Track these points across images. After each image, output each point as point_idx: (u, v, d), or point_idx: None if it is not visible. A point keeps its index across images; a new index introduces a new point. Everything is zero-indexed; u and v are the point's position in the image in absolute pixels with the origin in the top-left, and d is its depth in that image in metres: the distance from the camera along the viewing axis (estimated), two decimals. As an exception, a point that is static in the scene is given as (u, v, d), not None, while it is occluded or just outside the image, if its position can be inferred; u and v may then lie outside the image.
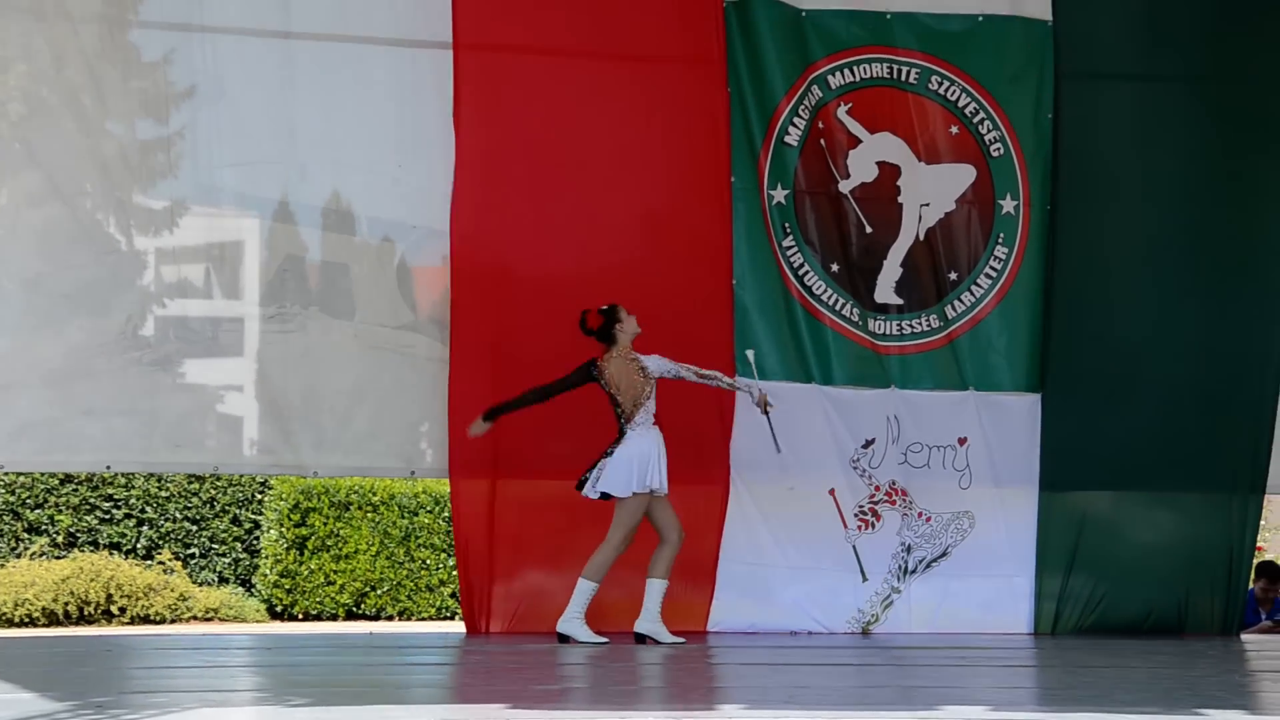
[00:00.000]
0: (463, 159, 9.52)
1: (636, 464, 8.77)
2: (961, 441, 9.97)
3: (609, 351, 8.94)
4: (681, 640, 8.81)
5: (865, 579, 9.87)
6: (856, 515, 9.89)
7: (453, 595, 16.24)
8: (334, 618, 16.37)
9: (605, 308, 8.95)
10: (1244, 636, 10.26)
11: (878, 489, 9.90)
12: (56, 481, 16.72)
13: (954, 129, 10.06)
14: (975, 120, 10.06)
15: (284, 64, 9.48)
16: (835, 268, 9.97)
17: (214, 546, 17.06)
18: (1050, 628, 9.98)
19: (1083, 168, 10.07)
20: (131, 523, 16.84)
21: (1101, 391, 10.03)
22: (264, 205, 9.61)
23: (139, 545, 16.78)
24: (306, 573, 16.40)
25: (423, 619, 16.46)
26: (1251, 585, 10.77)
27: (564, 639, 8.77)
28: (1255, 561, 11.01)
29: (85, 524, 16.76)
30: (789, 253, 9.91)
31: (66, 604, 15.28)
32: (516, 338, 9.54)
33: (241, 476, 16.79)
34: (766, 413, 9.15)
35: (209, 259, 9.57)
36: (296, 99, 9.51)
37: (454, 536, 9.77)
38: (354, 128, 9.58)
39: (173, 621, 15.46)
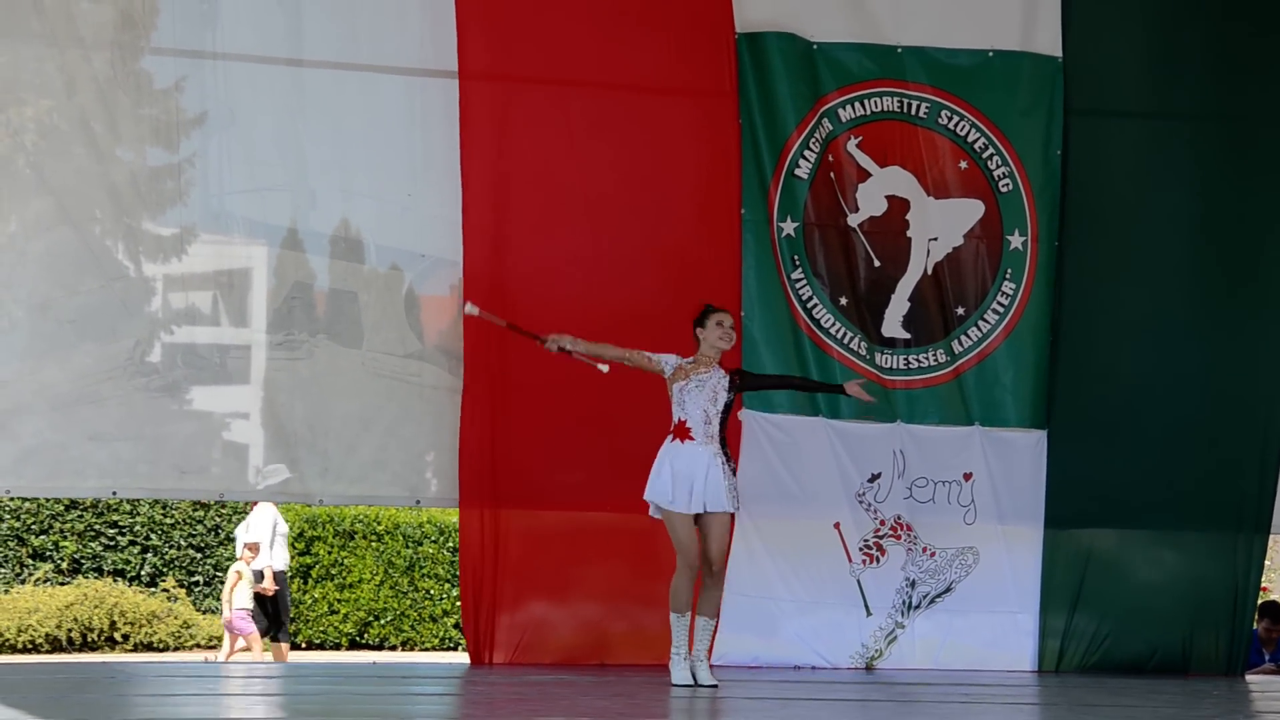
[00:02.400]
0: (471, 189, 9.50)
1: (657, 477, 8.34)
2: (967, 477, 9.93)
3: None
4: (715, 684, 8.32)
5: (869, 614, 9.82)
6: (861, 549, 9.84)
7: (456, 626, 16.20)
8: (337, 647, 16.34)
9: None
10: (1248, 677, 10.21)
11: (883, 523, 9.85)
12: (61, 507, 16.71)
13: (963, 164, 10.04)
14: (984, 155, 10.05)
15: (295, 92, 9.48)
16: (843, 301, 9.94)
17: (218, 574, 17.02)
18: (1054, 665, 9.92)
19: (1091, 204, 10.06)
20: (136, 549, 16.82)
21: (1107, 429, 10.00)
22: (273, 233, 9.59)
23: (143, 572, 16.75)
24: (310, 601, 16.36)
25: (426, 649, 16.43)
26: (1255, 625, 10.71)
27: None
28: (1260, 601, 10.95)
29: (90, 550, 16.73)
30: (798, 285, 9.88)
31: (70, 630, 15.26)
32: (526, 367, 9.49)
33: (246, 504, 16.77)
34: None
35: (217, 286, 9.55)
36: (307, 127, 9.50)
37: (459, 566, 9.71)
38: (364, 156, 9.57)
39: (175, 649, 15.42)
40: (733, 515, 8.44)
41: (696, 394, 8.30)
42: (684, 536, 8.24)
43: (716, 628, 8.50)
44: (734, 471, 8.40)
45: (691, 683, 8.17)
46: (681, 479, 8.23)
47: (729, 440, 9.05)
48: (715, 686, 8.19)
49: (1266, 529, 10.16)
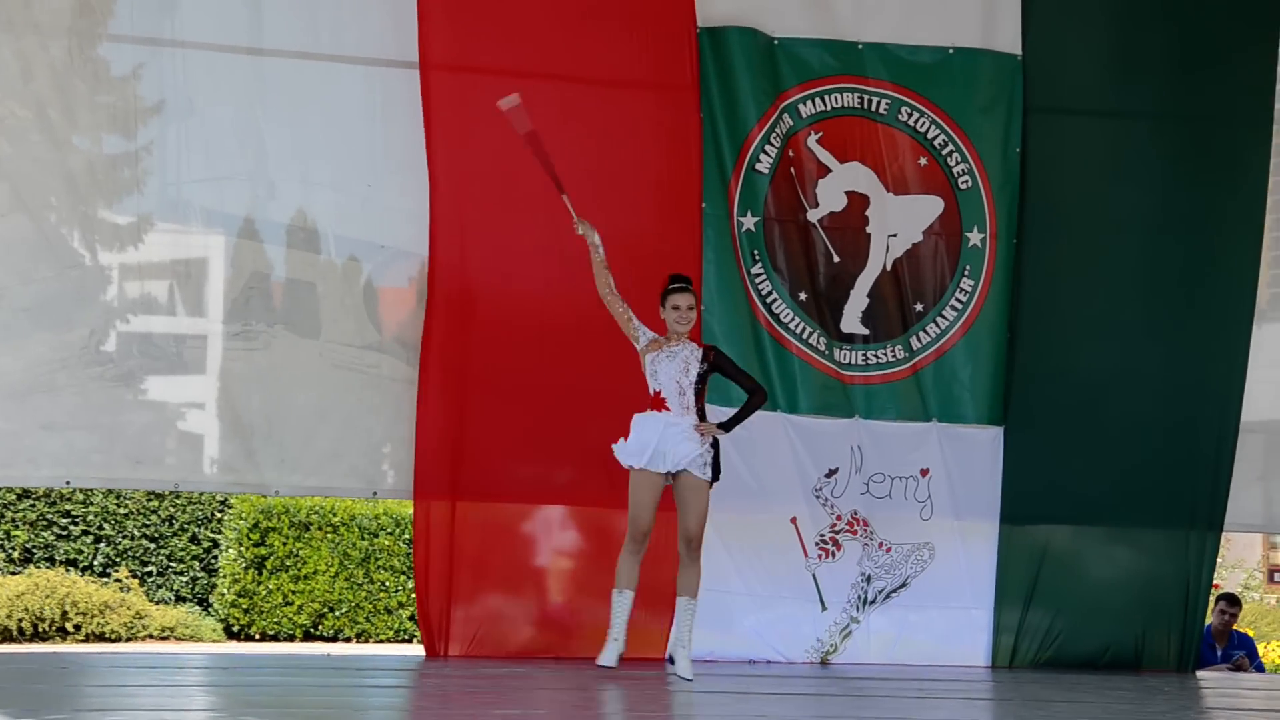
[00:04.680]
0: (435, 180, 9.49)
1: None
2: (924, 473, 9.97)
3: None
4: (689, 679, 8.25)
5: (825, 608, 9.85)
6: (817, 544, 9.87)
7: (411, 618, 16.17)
8: (291, 638, 16.29)
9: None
10: (1200, 674, 10.27)
11: (839, 518, 9.88)
12: (14, 496, 16.61)
13: (923, 160, 10.08)
14: (944, 152, 10.09)
15: (254, 81, 9.44)
16: (803, 296, 9.96)
17: (172, 565, 16.95)
18: (1008, 661, 9.97)
19: (1050, 202, 10.10)
20: (89, 539, 16.73)
21: (1063, 426, 10.05)
22: (230, 222, 9.55)
23: (96, 562, 16.67)
24: (265, 593, 16.31)
25: (381, 641, 16.39)
26: (1208, 620, 10.78)
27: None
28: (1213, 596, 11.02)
29: (42, 540, 16.64)
30: (757, 280, 9.90)
31: (21, 620, 15.16)
32: (485, 360, 9.50)
33: (201, 495, 16.71)
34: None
35: (174, 275, 9.50)
36: (266, 116, 9.46)
37: (414, 558, 9.69)
38: (323, 146, 9.53)
39: (128, 640, 15.35)
40: (709, 486, 8.29)
41: (668, 364, 8.26)
42: (640, 506, 8.14)
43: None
44: (713, 444, 8.31)
45: (612, 664, 8.14)
46: (652, 438, 8.14)
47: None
48: (691, 680, 8.15)
49: (1220, 526, 10.22)
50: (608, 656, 8.17)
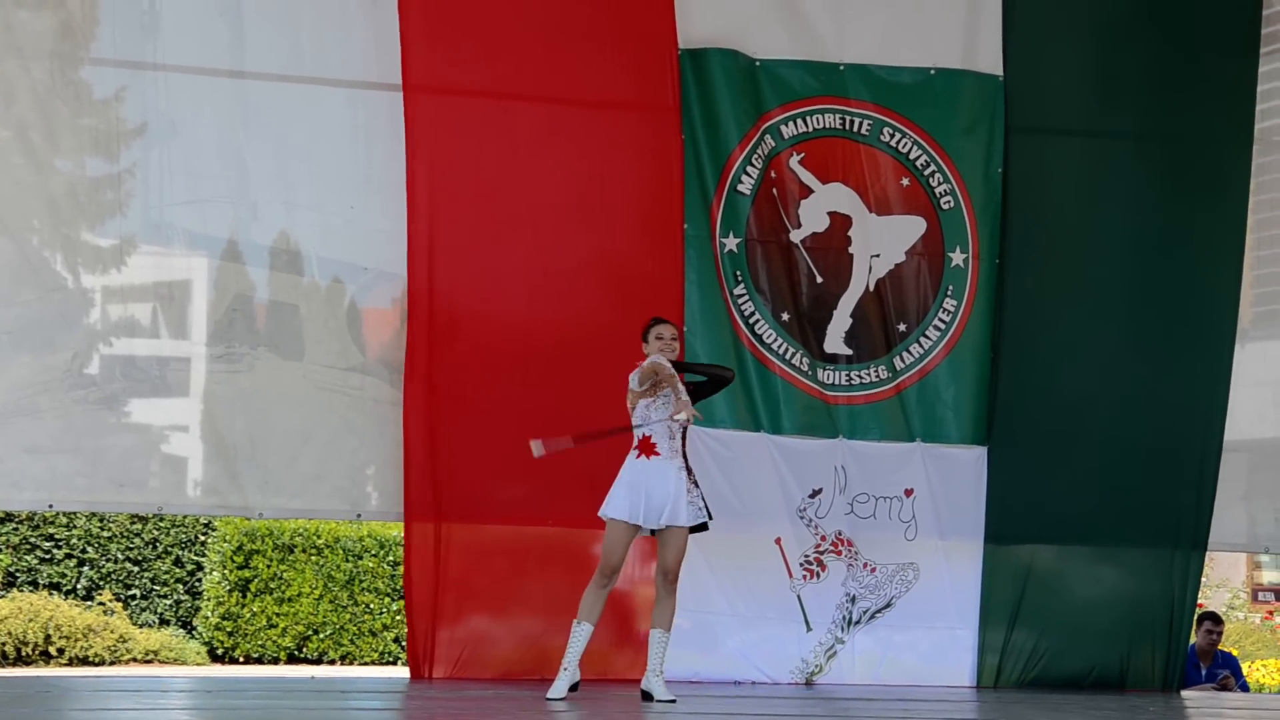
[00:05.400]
0: (416, 202, 9.51)
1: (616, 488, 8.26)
2: (908, 493, 9.98)
3: None
4: (672, 699, 8.25)
5: (809, 629, 9.85)
6: (802, 565, 9.88)
7: (396, 640, 16.15)
8: (276, 661, 16.24)
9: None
10: (1184, 694, 10.29)
11: (824, 539, 9.89)
12: (-3, 520, 16.56)
13: (905, 181, 10.11)
14: (926, 172, 10.12)
15: (237, 103, 9.45)
16: (785, 317, 9.98)
17: (155, 588, 16.91)
18: (993, 681, 9.98)
19: (1032, 222, 10.13)
20: (72, 563, 16.69)
21: (1047, 445, 10.07)
22: (213, 244, 9.56)
23: (79, 586, 16.62)
24: (249, 615, 16.27)
25: (365, 664, 16.35)
26: (1192, 640, 10.80)
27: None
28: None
29: (25, 563, 16.59)
30: (740, 301, 9.92)
31: (4, 644, 15.12)
32: (466, 379, 9.51)
33: (185, 517, 16.68)
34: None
35: (157, 298, 9.51)
36: (248, 139, 9.48)
37: (404, 580, 9.69)
38: (306, 168, 9.55)
39: (112, 663, 15.31)
40: (695, 528, 8.33)
41: (662, 410, 8.23)
42: (612, 548, 8.17)
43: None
44: (696, 484, 8.36)
45: (560, 698, 8.12)
46: (644, 495, 8.15)
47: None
48: (673, 701, 8.15)
49: (1203, 546, 10.25)
50: (558, 689, 8.18)
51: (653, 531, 8.26)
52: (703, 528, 8.33)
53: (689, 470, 8.31)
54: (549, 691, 8.20)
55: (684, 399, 8.17)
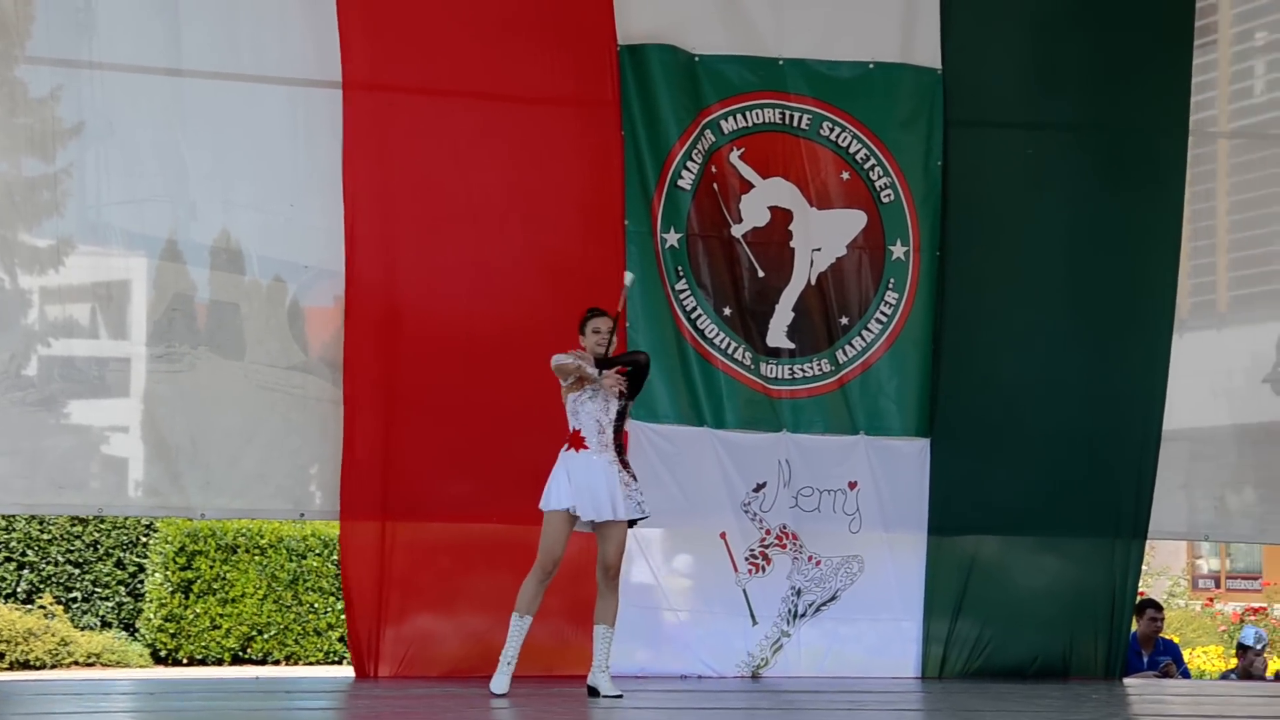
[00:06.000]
0: (353, 199, 9.48)
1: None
2: (852, 485, 10.02)
3: None
4: (619, 694, 8.31)
5: (755, 622, 9.88)
6: (747, 559, 9.90)
7: (341, 639, 16.10)
8: (220, 662, 16.18)
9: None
10: (1127, 681, 10.37)
11: (768, 532, 9.92)
12: (-65, 523, 16.43)
13: (845, 175, 10.14)
14: (866, 166, 10.16)
15: (174, 102, 9.40)
16: (728, 311, 10.00)
17: (97, 590, 16.81)
18: (937, 671, 10.03)
19: (972, 214, 10.18)
20: (12, 566, 16.57)
21: (989, 437, 10.12)
22: (152, 244, 9.51)
23: (19, 589, 16.50)
24: (192, 616, 16.20)
25: (310, 663, 16.30)
26: (1134, 628, 10.89)
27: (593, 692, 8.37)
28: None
29: (-36, 567, 16.47)
30: (682, 296, 9.93)
31: (-56, 649, 15.00)
32: (409, 378, 9.50)
33: (126, 519, 16.58)
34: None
35: (95, 298, 9.45)
36: (186, 137, 9.42)
37: (342, 579, 9.66)
38: (245, 166, 9.51)
39: (54, 667, 15.21)
40: (633, 522, 8.42)
41: (589, 404, 8.31)
42: (552, 541, 8.22)
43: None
44: (634, 477, 8.39)
45: (504, 691, 8.18)
46: (583, 489, 8.22)
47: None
48: (619, 696, 8.20)
49: (1144, 534, 10.32)
50: (500, 683, 8.21)
51: (593, 526, 8.29)
52: (636, 523, 8.37)
53: (624, 465, 8.34)
54: (492, 685, 8.21)
55: (605, 376, 8.20)
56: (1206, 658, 15.97)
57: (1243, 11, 10.86)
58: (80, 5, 9.31)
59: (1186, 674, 11.84)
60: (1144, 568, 11.24)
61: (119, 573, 16.91)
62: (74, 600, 16.65)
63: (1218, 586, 21.15)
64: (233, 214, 9.56)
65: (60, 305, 9.42)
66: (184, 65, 9.40)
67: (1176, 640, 12.83)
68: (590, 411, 8.31)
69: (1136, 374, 10.23)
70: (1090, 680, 10.03)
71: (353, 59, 9.46)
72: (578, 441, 8.31)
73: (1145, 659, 11.27)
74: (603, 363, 8.31)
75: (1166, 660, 11.29)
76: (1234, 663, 12.26)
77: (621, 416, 8.39)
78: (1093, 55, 10.27)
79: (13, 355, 9.32)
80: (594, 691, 8.28)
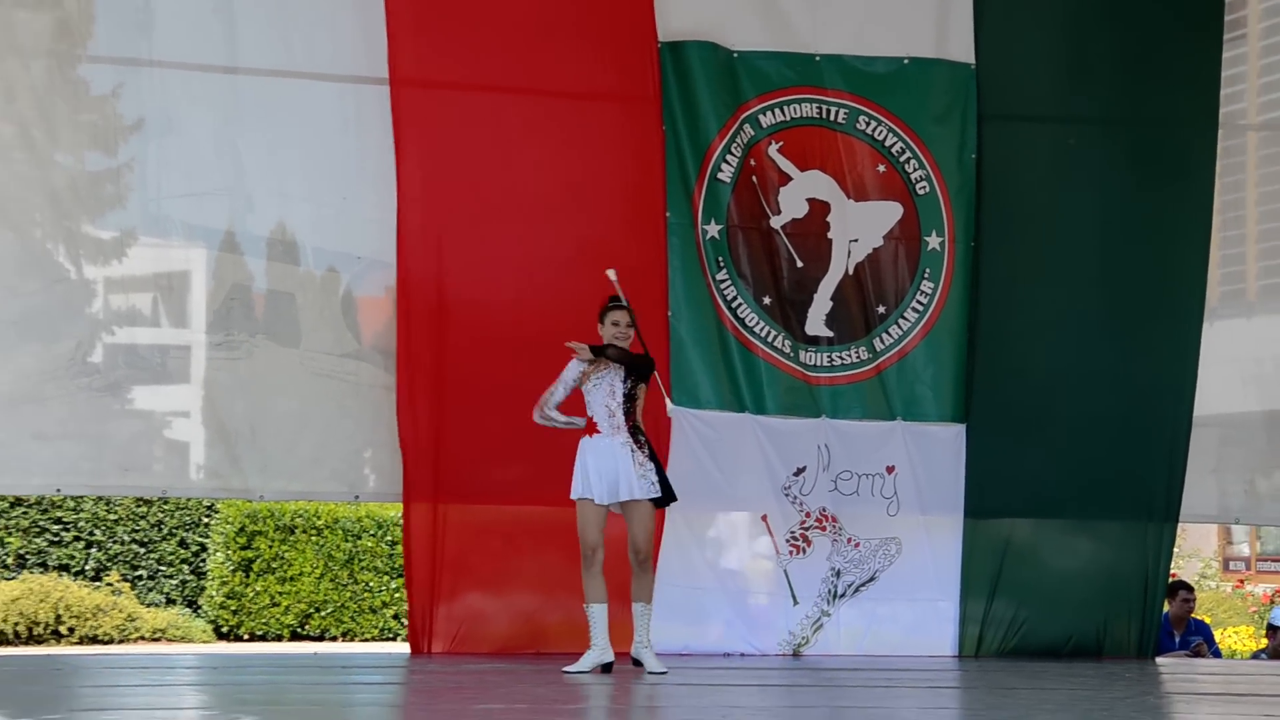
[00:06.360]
0: (404, 192, 9.51)
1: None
2: (889, 470, 9.99)
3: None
4: (663, 671, 8.32)
5: (796, 602, 9.87)
6: (788, 541, 9.89)
7: (395, 617, 16.18)
8: (279, 638, 16.28)
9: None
10: (1159, 660, 10.32)
11: (808, 515, 9.90)
12: (7, 504, 16.58)
13: (881, 167, 10.10)
14: (902, 159, 10.11)
15: (231, 98, 9.43)
16: (767, 300, 9.98)
17: (161, 568, 16.94)
18: (973, 650, 9.99)
19: (1005, 205, 10.13)
20: (80, 545, 16.72)
21: (1024, 422, 10.07)
22: (211, 236, 9.56)
23: (88, 567, 16.65)
24: (252, 594, 16.31)
25: (366, 640, 16.40)
26: (1166, 609, 10.83)
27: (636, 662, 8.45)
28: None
29: (35, 546, 16.61)
30: (722, 286, 9.92)
31: (16, 624, 15.15)
32: (458, 365, 9.53)
33: (188, 500, 16.70)
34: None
35: (157, 288, 9.51)
36: (243, 132, 9.46)
37: (404, 559, 9.71)
38: (299, 161, 9.54)
39: (120, 642, 15.34)
40: (659, 502, 8.42)
41: (595, 391, 8.45)
42: (582, 527, 8.36)
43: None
44: (650, 457, 8.40)
45: (585, 670, 8.23)
46: (593, 472, 8.34)
47: (661, 436, 9.07)
48: (665, 673, 8.21)
49: (1175, 518, 10.25)
50: (584, 663, 8.28)
51: (620, 508, 8.36)
52: (664, 502, 8.42)
53: (639, 445, 8.37)
54: (573, 665, 8.22)
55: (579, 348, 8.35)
56: (1237, 638, 15.89)
57: (1272, 6, 10.79)
58: (140, 5, 9.35)
59: (1218, 654, 11.78)
60: (1175, 550, 11.16)
61: (182, 552, 17.03)
62: (140, 578, 16.78)
63: (1248, 569, 21.01)
64: (288, 207, 9.59)
65: (123, 295, 9.47)
66: (240, 63, 9.44)
67: (1208, 621, 12.76)
68: (598, 398, 8.42)
69: (1168, 361, 10.16)
70: (1123, 660, 9.98)
71: (401, 56, 9.48)
72: (591, 428, 8.43)
73: (1177, 639, 11.22)
74: (598, 352, 8.40)
75: (1198, 640, 11.23)
76: (1264, 643, 12.18)
77: (631, 399, 8.43)
78: (1123, 50, 10.20)
79: (79, 343, 9.38)
80: (637, 661, 8.34)
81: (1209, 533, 20.23)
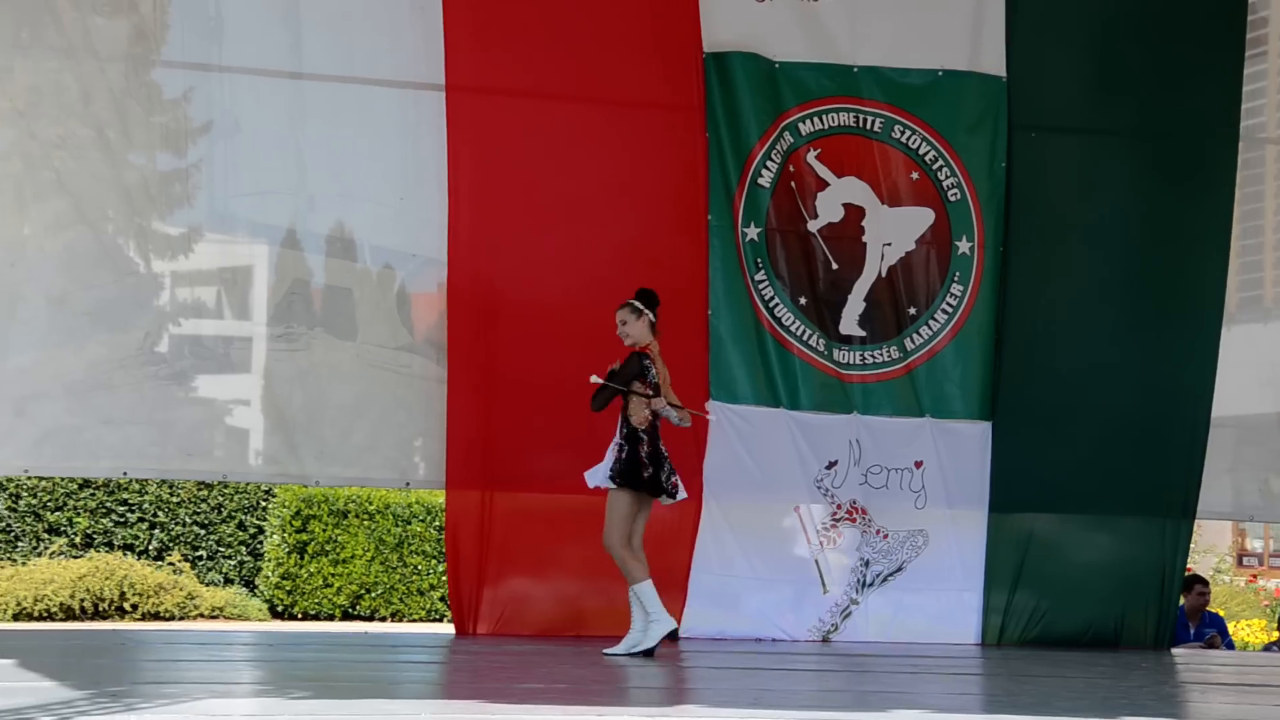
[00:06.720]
0: (456, 194, 9.55)
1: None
2: (918, 465, 9.99)
3: (653, 344, 8.47)
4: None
5: (826, 591, 9.87)
6: (819, 531, 9.90)
7: (442, 599, 16.22)
8: (331, 618, 16.35)
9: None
10: (1174, 651, 10.29)
11: (839, 507, 9.91)
12: (76, 486, 16.70)
13: (915, 175, 10.11)
14: (934, 167, 10.11)
15: (294, 102, 9.49)
16: (803, 301, 9.99)
17: (220, 549, 17.03)
18: (996, 639, 9.99)
19: (1033, 213, 10.12)
20: (144, 526, 16.82)
21: (1047, 421, 10.06)
22: (273, 233, 9.62)
23: (151, 547, 16.75)
24: (306, 575, 16.38)
25: (414, 620, 16.44)
26: (1181, 602, 10.80)
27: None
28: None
29: (101, 526, 16.73)
30: (760, 286, 9.94)
31: (83, 600, 15.25)
32: (507, 360, 9.56)
33: (247, 484, 16.77)
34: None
35: (221, 282, 9.57)
36: (305, 135, 9.51)
37: (446, 543, 9.75)
38: (358, 162, 9.59)
39: (181, 618, 15.43)
40: (611, 489, 8.41)
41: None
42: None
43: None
44: (617, 446, 8.34)
45: (657, 642, 8.26)
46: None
47: (699, 430, 9.08)
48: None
49: (1192, 514, 10.23)
50: (652, 637, 8.26)
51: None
52: (602, 479, 8.39)
53: (623, 439, 8.33)
54: (618, 648, 8.25)
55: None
56: (1250, 631, 15.82)
57: (1292, 24, 10.73)
58: (211, 14, 9.42)
59: (1231, 646, 11.74)
60: (1191, 545, 11.13)
61: (240, 534, 17.12)
62: (200, 558, 16.88)
63: (1261, 564, 20.91)
64: (347, 206, 9.64)
65: (189, 288, 9.54)
66: (304, 69, 9.50)
67: (1222, 614, 12.71)
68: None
69: (1187, 364, 10.13)
70: (1140, 650, 9.96)
71: (457, 64, 9.52)
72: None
73: (1192, 631, 11.19)
74: (611, 376, 8.42)
75: (1212, 633, 11.19)
76: (1276, 635, 12.14)
77: (625, 399, 8.37)
78: (1149, 64, 10.17)
79: (147, 334, 9.45)
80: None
81: (1224, 529, 20.14)
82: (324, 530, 16.44)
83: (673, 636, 8.39)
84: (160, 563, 16.34)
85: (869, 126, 10.07)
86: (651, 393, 8.37)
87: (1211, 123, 10.20)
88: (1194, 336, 10.15)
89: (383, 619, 16.45)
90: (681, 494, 8.47)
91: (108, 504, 16.76)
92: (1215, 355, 10.16)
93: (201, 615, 15.62)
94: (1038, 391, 10.08)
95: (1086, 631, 10.07)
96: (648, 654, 8.17)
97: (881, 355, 10.07)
